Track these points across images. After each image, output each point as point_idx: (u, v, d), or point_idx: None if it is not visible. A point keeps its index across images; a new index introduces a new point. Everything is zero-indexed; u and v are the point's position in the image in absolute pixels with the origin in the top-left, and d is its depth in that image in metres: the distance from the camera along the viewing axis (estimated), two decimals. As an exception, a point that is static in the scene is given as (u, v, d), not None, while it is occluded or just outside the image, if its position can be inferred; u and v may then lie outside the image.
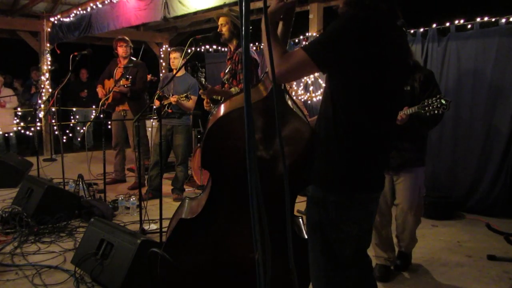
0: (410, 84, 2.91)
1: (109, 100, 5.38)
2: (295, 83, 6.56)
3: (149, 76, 5.18)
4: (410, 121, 2.79)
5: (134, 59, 5.52)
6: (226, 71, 3.65)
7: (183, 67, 4.73)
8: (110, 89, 5.29)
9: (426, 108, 2.68)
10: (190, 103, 4.72)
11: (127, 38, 5.46)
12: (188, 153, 5.28)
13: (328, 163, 1.65)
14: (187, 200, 2.47)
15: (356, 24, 1.50)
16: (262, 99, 1.82)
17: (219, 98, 3.63)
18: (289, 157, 1.85)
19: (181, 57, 4.89)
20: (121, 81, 5.21)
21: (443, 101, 2.63)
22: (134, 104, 5.33)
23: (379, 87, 1.58)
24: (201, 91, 3.53)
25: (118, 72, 5.42)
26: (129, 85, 5.24)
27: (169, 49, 9.25)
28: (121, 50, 5.39)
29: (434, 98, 2.67)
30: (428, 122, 2.84)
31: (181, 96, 4.51)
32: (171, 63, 5.07)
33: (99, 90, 5.50)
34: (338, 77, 1.59)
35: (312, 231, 1.74)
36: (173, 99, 4.66)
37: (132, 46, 5.52)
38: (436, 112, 2.66)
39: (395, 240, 3.23)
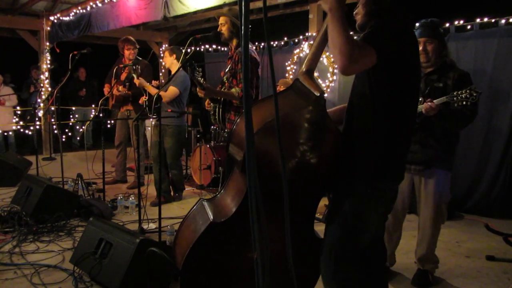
0: (442, 81, 2.82)
1: (113, 101, 5.37)
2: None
3: (155, 82, 5.15)
4: (438, 114, 2.67)
5: (140, 58, 5.48)
6: (226, 70, 3.65)
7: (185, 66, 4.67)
8: (110, 90, 5.28)
9: (455, 98, 2.61)
10: (165, 93, 4.60)
11: (133, 40, 5.39)
12: (178, 155, 5.00)
13: (365, 157, 1.77)
14: (205, 203, 2.24)
15: (395, 26, 1.73)
16: (308, 106, 1.82)
17: (219, 98, 3.62)
18: (321, 162, 1.85)
19: (170, 55, 4.83)
20: (120, 87, 5.19)
21: (473, 92, 2.55)
22: (138, 105, 5.31)
23: (412, 83, 1.79)
24: (198, 89, 3.52)
25: (120, 71, 5.41)
26: (126, 91, 5.21)
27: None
28: (127, 53, 5.33)
29: (464, 90, 2.59)
30: (455, 117, 2.72)
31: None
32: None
33: (106, 90, 5.47)
34: (381, 73, 1.71)
35: (338, 222, 1.83)
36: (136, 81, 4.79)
37: (138, 47, 5.47)
38: (464, 103, 2.58)
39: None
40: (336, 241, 1.82)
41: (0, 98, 7.73)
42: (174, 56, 4.81)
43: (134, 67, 4.86)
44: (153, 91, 4.72)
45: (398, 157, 1.83)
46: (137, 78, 4.82)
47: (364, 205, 1.79)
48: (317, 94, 1.82)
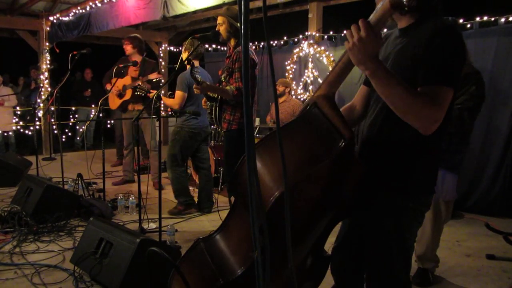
0: None
1: (127, 97, 5.27)
2: (294, 82, 6.57)
3: (155, 75, 5.10)
4: None
5: (147, 59, 5.44)
6: (224, 69, 3.66)
7: (183, 64, 4.59)
8: (126, 86, 5.21)
9: None
10: (169, 101, 4.48)
11: (132, 36, 5.36)
12: (173, 156, 4.49)
13: (408, 171, 1.59)
14: (205, 250, 1.80)
15: (463, 40, 1.47)
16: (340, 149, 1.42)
17: (215, 95, 3.62)
18: (342, 200, 1.62)
19: (184, 51, 4.71)
20: (140, 81, 5.11)
21: None
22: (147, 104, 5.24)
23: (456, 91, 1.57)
24: (194, 85, 3.53)
25: (130, 70, 5.35)
26: (151, 80, 5.07)
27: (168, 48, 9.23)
28: (124, 48, 5.33)
29: None
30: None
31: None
32: None
33: (114, 88, 5.28)
34: None
35: (387, 241, 1.65)
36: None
37: (138, 44, 5.38)
38: None
39: None
40: (389, 260, 1.66)
41: None
42: (187, 53, 4.39)
43: (138, 85, 4.76)
44: (165, 101, 4.60)
45: (438, 169, 1.67)
46: (149, 92, 4.74)
47: (413, 220, 1.65)
48: (347, 135, 1.41)
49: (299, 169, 1.40)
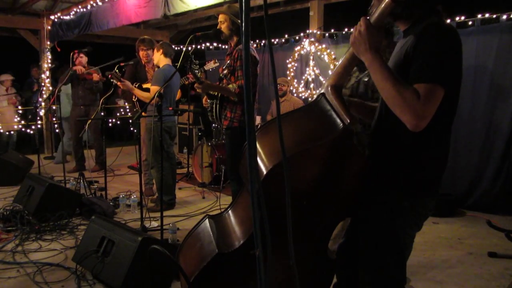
0: None
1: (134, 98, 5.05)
2: (296, 80, 6.57)
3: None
4: None
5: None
6: (224, 67, 3.65)
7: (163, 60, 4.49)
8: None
9: None
10: (144, 94, 4.45)
11: (148, 39, 5.11)
12: (154, 152, 4.36)
13: (409, 169, 1.57)
14: (210, 224, 1.93)
15: (454, 36, 1.47)
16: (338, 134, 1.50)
17: (216, 93, 3.62)
18: (342, 191, 1.65)
19: (157, 51, 4.60)
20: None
21: None
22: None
23: (458, 87, 1.56)
24: (196, 84, 3.52)
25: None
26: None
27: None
28: (142, 54, 5.07)
29: None
30: None
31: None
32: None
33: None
34: None
35: (380, 240, 1.63)
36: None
37: (149, 47, 5.06)
38: None
39: None
40: (381, 262, 1.65)
41: (12, 97, 7.79)
42: (161, 51, 4.53)
43: (115, 71, 4.70)
44: (138, 93, 4.66)
45: (443, 170, 1.62)
46: (120, 81, 4.65)
47: (408, 221, 1.62)
48: (347, 121, 1.50)
49: (297, 145, 1.51)
